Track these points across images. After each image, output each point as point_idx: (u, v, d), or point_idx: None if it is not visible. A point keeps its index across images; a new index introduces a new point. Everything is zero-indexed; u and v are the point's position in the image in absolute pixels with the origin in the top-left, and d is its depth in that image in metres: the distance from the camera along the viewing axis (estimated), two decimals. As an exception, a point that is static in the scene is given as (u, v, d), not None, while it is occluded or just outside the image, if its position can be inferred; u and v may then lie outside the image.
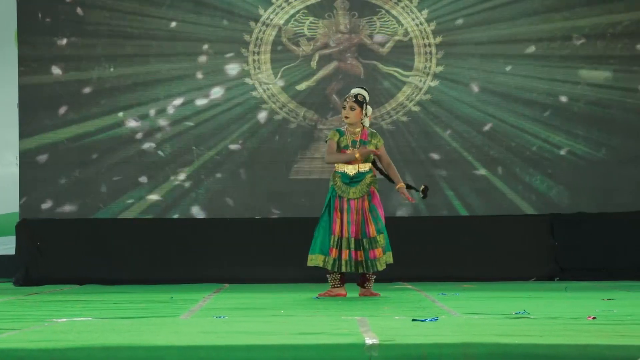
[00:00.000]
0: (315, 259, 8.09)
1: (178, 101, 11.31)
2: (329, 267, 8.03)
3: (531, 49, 11.25)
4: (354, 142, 8.16)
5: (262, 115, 11.31)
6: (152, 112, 11.29)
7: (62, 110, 11.26)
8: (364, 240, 8.06)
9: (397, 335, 4.58)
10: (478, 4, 11.29)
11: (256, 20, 11.32)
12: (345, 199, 8.09)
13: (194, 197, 11.24)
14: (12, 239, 11.30)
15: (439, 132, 11.27)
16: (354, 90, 8.22)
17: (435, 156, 11.24)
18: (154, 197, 11.23)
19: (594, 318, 5.58)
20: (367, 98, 8.20)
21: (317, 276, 9.36)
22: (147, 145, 11.28)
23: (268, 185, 11.26)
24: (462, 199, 11.21)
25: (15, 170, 11.37)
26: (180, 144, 11.28)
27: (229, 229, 11.08)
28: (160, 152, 11.28)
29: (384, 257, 8.07)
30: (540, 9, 11.27)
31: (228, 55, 11.31)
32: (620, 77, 11.24)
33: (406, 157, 11.16)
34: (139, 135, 11.27)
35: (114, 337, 4.63)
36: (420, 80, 11.31)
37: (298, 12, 11.35)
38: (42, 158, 11.22)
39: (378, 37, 11.32)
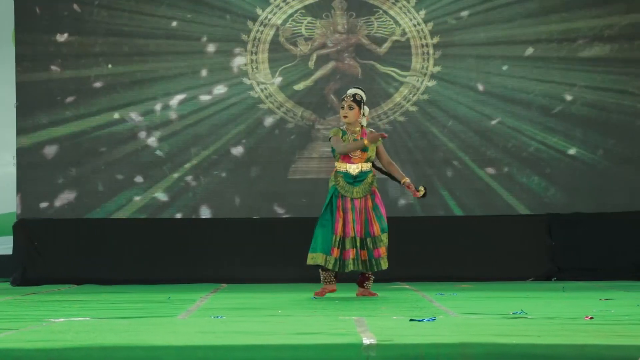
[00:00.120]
0: (316, 258, 8.09)
1: (175, 101, 11.30)
2: (330, 267, 8.04)
3: (529, 50, 11.25)
4: (355, 141, 8.18)
5: (259, 115, 11.31)
6: (149, 111, 11.28)
7: (60, 109, 11.24)
8: (368, 239, 8.09)
9: (394, 335, 4.58)
10: (476, 5, 11.29)
11: (254, 20, 11.32)
12: (349, 199, 8.11)
13: (191, 197, 11.24)
14: (9, 239, 11.30)
15: (436, 132, 11.27)
16: (352, 90, 8.25)
17: (432, 156, 11.24)
18: (151, 196, 11.23)
19: (591, 318, 5.59)
20: (365, 98, 8.22)
21: (315, 276, 9.35)
22: (145, 145, 11.27)
23: (266, 185, 11.26)
24: (458, 199, 11.21)
25: (12, 170, 11.37)
26: (178, 144, 11.28)
27: (226, 229, 11.08)
28: (157, 152, 11.27)
29: (386, 256, 8.11)
30: (537, 10, 11.27)
31: (226, 55, 11.31)
32: (616, 80, 11.24)
33: (403, 157, 11.15)
34: (136, 135, 11.26)
35: (111, 337, 4.62)
36: (418, 80, 11.32)
37: (296, 12, 11.35)
38: (40, 158, 11.21)
39: (376, 36, 11.33)
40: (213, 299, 8.18)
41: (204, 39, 11.30)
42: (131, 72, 11.29)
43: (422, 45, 11.32)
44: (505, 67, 11.28)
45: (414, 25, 11.32)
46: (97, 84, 11.26)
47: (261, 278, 10.64)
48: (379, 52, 11.32)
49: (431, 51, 11.31)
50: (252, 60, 11.32)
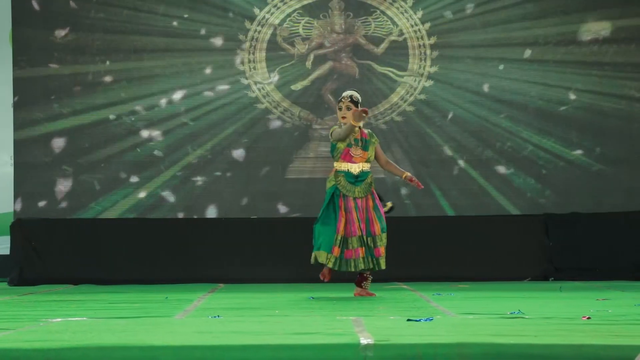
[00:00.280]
0: (318, 256, 8.10)
1: (173, 99, 11.30)
2: (331, 265, 8.06)
3: (526, 52, 11.26)
4: (356, 141, 8.25)
5: (257, 115, 11.31)
6: (147, 109, 11.28)
7: (58, 110, 11.24)
8: (369, 238, 8.13)
9: (392, 335, 4.58)
10: (473, 6, 11.29)
11: (252, 20, 11.32)
12: (351, 198, 8.16)
13: (188, 197, 11.23)
14: (6, 239, 11.29)
15: (432, 133, 11.28)
16: (348, 92, 8.32)
17: (428, 156, 11.24)
18: (148, 195, 11.22)
19: (588, 318, 5.59)
20: (360, 99, 8.29)
21: (312, 276, 9.36)
22: (143, 144, 11.26)
23: (263, 185, 11.26)
24: (454, 199, 11.21)
25: (10, 170, 11.36)
26: (175, 143, 11.27)
27: (224, 229, 11.07)
28: (155, 152, 11.27)
29: (385, 255, 8.16)
30: (535, 13, 11.28)
31: (223, 54, 11.31)
32: (612, 83, 11.25)
33: (401, 157, 11.16)
34: (134, 133, 11.25)
35: (108, 337, 4.62)
36: (415, 80, 11.32)
37: (293, 12, 11.35)
38: (37, 157, 11.20)
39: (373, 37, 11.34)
40: (210, 299, 8.18)
41: (202, 38, 11.29)
42: (129, 70, 11.28)
43: (419, 46, 11.33)
44: (502, 69, 11.29)
45: (411, 26, 11.33)
46: (95, 82, 11.25)
47: (258, 278, 10.64)
48: (376, 52, 11.33)
49: (428, 51, 11.32)
50: (249, 60, 11.32)
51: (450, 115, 11.27)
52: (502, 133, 11.26)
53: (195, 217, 11.22)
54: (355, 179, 8.19)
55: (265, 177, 11.24)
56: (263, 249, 10.94)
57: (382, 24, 11.34)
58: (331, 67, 11.35)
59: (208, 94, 11.32)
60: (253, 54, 11.32)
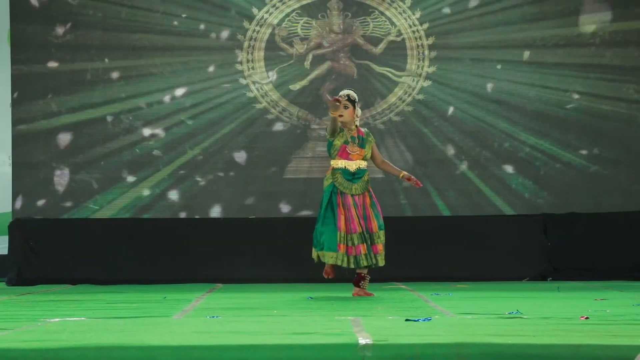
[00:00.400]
0: (324, 256, 8.11)
1: (171, 99, 11.30)
2: (339, 263, 8.08)
3: (524, 54, 11.26)
4: (352, 138, 8.31)
5: (255, 115, 11.31)
6: (145, 109, 11.27)
7: (56, 109, 11.24)
8: (366, 235, 8.15)
9: (390, 335, 4.58)
10: (472, 6, 11.30)
11: (250, 20, 11.32)
12: (349, 195, 8.20)
13: (187, 196, 11.23)
14: (4, 239, 11.28)
15: (431, 133, 11.28)
16: (345, 91, 8.37)
17: (426, 156, 11.24)
18: (147, 196, 11.22)
19: (586, 318, 5.59)
20: (357, 98, 8.32)
21: (311, 276, 9.37)
22: (141, 143, 11.26)
23: (262, 185, 11.26)
24: (451, 200, 11.22)
25: (7, 170, 11.36)
26: (173, 142, 11.27)
27: (222, 229, 11.07)
28: (153, 151, 11.26)
29: (384, 253, 8.18)
30: (533, 15, 11.29)
31: (221, 54, 11.31)
32: (609, 85, 11.27)
33: (400, 157, 11.16)
34: (132, 132, 11.25)
35: (107, 337, 4.62)
36: (414, 80, 11.32)
37: (291, 12, 11.35)
38: (36, 157, 11.20)
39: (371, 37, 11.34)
40: (209, 299, 8.18)
41: (200, 37, 11.29)
42: (127, 68, 11.28)
43: (418, 46, 11.33)
44: (500, 70, 11.30)
45: (410, 26, 11.33)
46: (94, 80, 11.24)
47: (257, 278, 10.64)
48: (374, 52, 11.33)
49: (426, 52, 11.32)
50: (248, 60, 11.32)
51: (450, 111, 11.26)
52: (501, 134, 11.26)
53: (193, 217, 11.22)
54: (353, 176, 8.23)
55: (263, 176, 11.24)
56: (261, 248, 10.94)
57: (380, 24, 11.35)
58: (329, 67, 11.35)
59: (206, 93, 11.32)
60: (252, 53, 11.32)
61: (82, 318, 5.99)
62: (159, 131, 11.28)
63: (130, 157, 11.23)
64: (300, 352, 4.24)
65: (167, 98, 11.30)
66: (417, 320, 5.40)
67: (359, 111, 8.36)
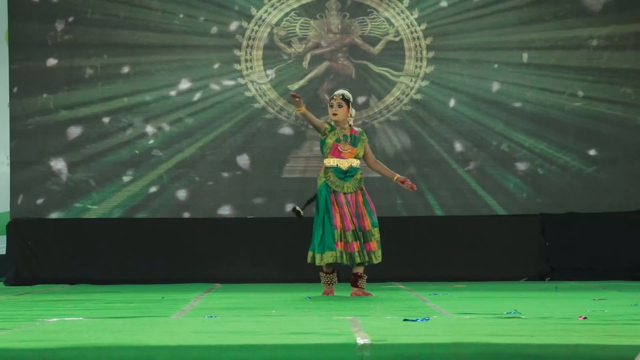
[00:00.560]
0: (325, 257, 8.11)
1: (169, 97, 11.30)
2: (338, 261, 8.09)
3: (522, 55, 11.27)
4: (345, 137, 8.33)
5: (253, 114, 11.30)
6: (143, 108, 11.27)
7: (53, 108, 11.23)
8: (360, 233, 8.16)
9: (388, 335, 4.58)
10: (470, 7, 11.30)
11: (249, 20, 11.32)
12: (341, 193, 8.22)
13: (184, 196, 11.23)
14: (2, 239, 11.28)
15: (429, 133, 11.28)
16: (340, 91, 8.43)
17: (424, 157, 11.25)
18: (145, 195, 11.22)
19: (584, 318, 5.59)
20: (351, 98, 8.35)
21: (309, 276, 9.36)
22: (138, 143, 11.26)
23: (260, 184, 11.25)
24: (448, 200, 11.22)
25: (6, 169, 11.35)
26: (171, 141, 11.27)
27: (220, 229, 11.07)
28: (151, 150, 11.26)
29: (379, 251, 8.20)
30: (531, 17, 11.30)
31: (220, 53, 11.31)
32: (606, 88, 11.28)
33: (398, 157, 11.16)
34: (130, 132, 11.25)
35: (105, 337, 4.62)
36: (411, 81, 11.32)
37: (290, 12, 11.35)
38: (34, 156, 11.19)
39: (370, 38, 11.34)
40: (207, 298, 8.17)
41: (199, 36, 11.29)
42: (125, 66, 11.27)
43: (416, 46, 11.33)
44: (497, 71, 11.30)
45: (408, 26, 11.33)
46: (92, 78, 11.24)
47: (255, 278, 10.64)
48: (372, 52, 11.33)
49: (424, 52, 11.32)
50: (246, 59, 11.32)
51: (448, 111, 11.27)
52: (498, 134, 11.26)
53: (191, 216, 11.21)
54: (345, 175, 8.25)
55: (261, 176, 11.24)
56: (259, 248, 10.93)
57: (378, 25, 11.35)
58: (328, 67, 11.35)
59: (205, 92, 11.32)
60: (250, 53, 11.32)
61: (80, 318, 5.99)
62: (157, 130, 11.27)
63: (129, 156, 11.23)
64: (299, 352, 4.24)
65: (165, 96, 11.29)
66: (416, 320, 5.40)
67: (352, 111, 8.39)
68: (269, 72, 11.32)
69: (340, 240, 8.13)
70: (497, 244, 10.99)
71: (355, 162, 8.30)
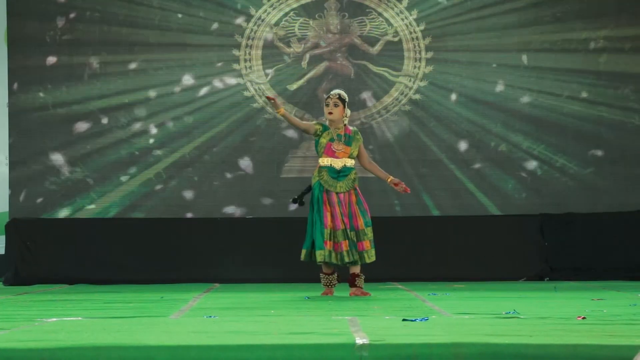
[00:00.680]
0: (316, 255, 8.15)
1: (168, 97, 11.30)
2: (327, 259, 8.10)
3: (522, 57, 11.28)
4: (339, 136, 8.34)
5: (252, 114, 11.30)
6: (141, 106, 11.27)
7: (52, 107, 11.23)
8: (352, 232, 8.19)
9: (387, 335, 4.58)
10: (468, 7, 11.30)
11: (248, 20, 11.32)
12: (334, 193, 8.24)
13: (183, 196, 11.23)
14: (1, 239, 11.28)
15: (428, 133, 11.28)
16: (335, 90, 8.47)
17: (422, 157, 11.25)
18: (144, 195, 11.22)
19: (583, 318, 5.59)
20: (347, 98, 8.37)
21: (308, 276, 9.37)
22: (137, 142, 11.26)
23: (258, 184, 11.25)
24: (446, 200, 11.22)
25: (4, 169, 11.35)
26: (170, 141, 11.27)
27: (219, 229, 11.07)
28: (150, 150, 11.26)
29: (372, 250, 8.21)
30: (530, 20, 11.30)
31: (219, 53, 11.31)
32: (605, 91, 11.28)
33: (397, 157, 11.17)
34: (129, 131, 11.25)
35: (104, 337, 4.62)
36: (410, 81, 11.33)
37: (289, 12, 11.35)
38: (33, 156, 11.19)
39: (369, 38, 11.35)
40: (206, 298, 8.17)
41: (198, 35, 11.29)
42: (124, 65, 11.27)
43: (415, 46, 11.33)
44: (495, 72, 11.31)
45: (406, 26, 11.33)
46: (90, 77, 11.24)
47: (254, 278, 10.64)
48: (371, 52, 11.33)
49: (423, 52, 11.32)
50: (245, 59, 11.32)
51: (450, 105, 11.27)
52: (496, 135, 11.26)
53: (190, 216, 11.21)
54: (338, 174, 8.27)
55: (260, 176, 11.24)
56: (258, 248, 10.93)
57: (377, 25, 11.35)
58: (327, 67, 11.35)
59: (203, 92, 11.32)
60: (249, 53, 11.32)
61: (79, 318, 5.99)
62: (156, 128, 11.27)
63: (128, 155, 11.23)
64: (298, 352, 4.24)
65: (164, 95, 11.29)
66: (414, 320, 5.40)
67: (348, 111, 8.42)
68: (268, 71, 11.32)
69: (330, 240, 8.15)
70: (496, 244, 10.99)
71: (350, 162, 8.31)
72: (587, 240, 10.95)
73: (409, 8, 11.33)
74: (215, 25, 11.30)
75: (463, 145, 11.26)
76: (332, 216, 8.21)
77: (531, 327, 5.06)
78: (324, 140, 8.32)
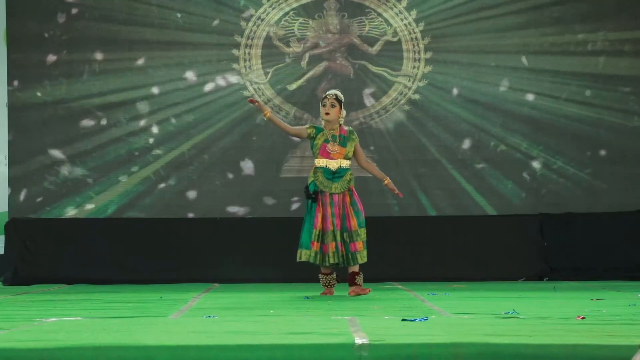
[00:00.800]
0: (300, 254, 8.22)
1: (167, 96, 11.29)
2: (311, 260, 8.15)
3: (522, 59, 11.27)
4: (333, 137, 8.36)
5: (251, 113, 11.30)
6: (140, 105, 11.26)
7: (51, 106, 11.23)
8: (345, 233, 8.22)
9: (386, 335, 4.58)
10: (468, 8, 11.30)
11: (247, 19, 11.32)
12: (328, 194, 8.26)
13: (183, 196, 11.22)
14: (1, 239, 11.27)
15: (427, 133, 11.28)
16: (332, 91, 8.50)
17: (421, 157, 11.25)
18: (143, 195, 11.21)
19: (583, 318, 5.60)
20: (343, 98, 8.41)
21: (307, 276, 9.37)
22: (135, 141, 11.25)
23: (258, 184, 11.25)
24: (444, 200, 11.22)
25: (4, 169, 11.34)
26: (169, 140, 11.26)
27: (218, 229, 11.07)
28: (149, 149, 11.26)
29: (364, 251, 8.24)
30: (528, 22, 11.30)
31: (219, 52, 11.31)
32: (604, 93, 11.29)
33: (396, 157, 11.17)
34: (128, 130, 11.25)
35: (103, 337, 4.62)
36: (409, 81, 11.33)
37: (289, 12, 11.34)
38: (32, 156, 11.19)
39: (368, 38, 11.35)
40: (205, 298, 8.17)
41: (197, 35, 11.29)
42: (123, 63, 11.26)
43: (414, 46, 11.34)
44: (495, 73, 11.31)
45: (406, 26, 11.33)
46: (89, 76, 11.23)
47: (253, 278, 10.64)
48: (370, 52, 11.33)
49: (422, 52, 11.32)
50: (244, 59, 11.32)
51: (449, 106, 11.27)
52: (495, 136, 11.26)
53: (189, 216, 11.21)
54: (333, 175, 8.28)
55: (259, 175, 11.24)
56: (257, 248, 10.93)
57: (376, 25, 11.35)
58: (326, 67, 11.35)
59: (203, 91, 11.32)
60: (248, 53, 11.32)
61: (79, 318, 5.99)
62: (155, 129, 11.27)
63: (127, 154, 11.23)
64: (297, 352, 4.24)
65: (163, 94, 11.29)
66: (414, 320, 5.40)
67: (344, 112, 8.44)
68: (267, 71, 11.32)
69: (317, 241, 8.19)
70: (495, 244, 10.98)
71: (345, 163, 8.32)
72: (587, 240, 10.95)
73: (408, 8, 11.33)
74: (214, 25, 11.30)
75: (462, 146, 11.26)
76: (323, 217, 8.24)
77: (531, 327, 5.06)
78: (319, 142, 8.34)
